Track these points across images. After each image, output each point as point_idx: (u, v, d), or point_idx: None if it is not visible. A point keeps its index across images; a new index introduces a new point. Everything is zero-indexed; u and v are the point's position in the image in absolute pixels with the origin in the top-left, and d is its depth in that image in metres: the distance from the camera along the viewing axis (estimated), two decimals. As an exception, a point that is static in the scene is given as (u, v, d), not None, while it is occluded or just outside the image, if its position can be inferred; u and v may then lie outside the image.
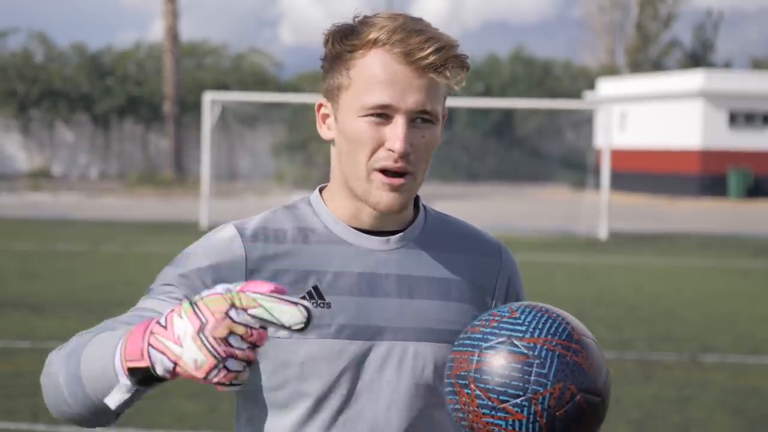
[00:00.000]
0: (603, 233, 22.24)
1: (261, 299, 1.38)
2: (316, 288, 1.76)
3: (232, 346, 1.38)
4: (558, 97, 44.40)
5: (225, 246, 1.76)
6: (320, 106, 1.82)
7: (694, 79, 40.05)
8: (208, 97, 23.63)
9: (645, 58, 54.84)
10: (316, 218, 1.83)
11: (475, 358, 1.66)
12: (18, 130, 45.04)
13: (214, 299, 1.39)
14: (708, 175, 38.98)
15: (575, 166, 43.47)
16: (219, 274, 1.74)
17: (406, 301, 1.79)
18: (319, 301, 1.76)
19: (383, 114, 1.72)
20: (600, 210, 22.91)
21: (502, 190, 41.39)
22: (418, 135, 1.73)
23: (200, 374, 1.40)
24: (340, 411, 1.77)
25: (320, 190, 1.87)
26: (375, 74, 1.71)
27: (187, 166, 40.61)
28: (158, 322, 1.44)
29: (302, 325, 1.39)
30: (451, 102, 33.43)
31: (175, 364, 1.42)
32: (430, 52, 1.69)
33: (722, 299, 13.35)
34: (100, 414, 1.57)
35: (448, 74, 1.72)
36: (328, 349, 1.75)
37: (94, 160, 46.03)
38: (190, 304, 1.41)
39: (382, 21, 1.73)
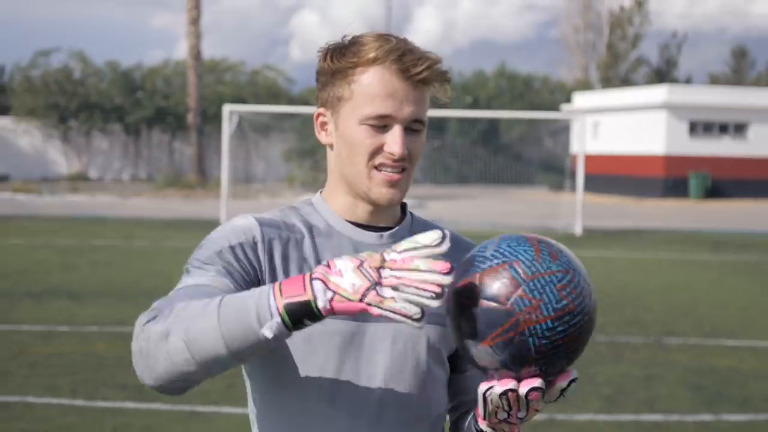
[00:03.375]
0: (578, 229, 22.24)
1: (404, 241, 1.53)
2: None
3: (382, 276, 1.49)
4: (538, 109, 44.38)
5: (246, 230, 1.78)
6: (319, 114, 1.83)
7: (659, 92, 40.03)
8: (227, 109, 23.60)
9: (615, 74, 54.79)
10: (318, 216, 1.85)
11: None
12: (59, 138, 45.00)
13: (370, 253, 1.53)
14: (671, 178, 38.97)
15: (553, 170, 43.42)
16: (241, 251, 1.75)
17: None
18: None
19: (382, 122, 1.74)
20: (575, 209, 22.90)
21: (488, 192, 41.37)
22: (412, 141, 1.77)
23: (357, 296, 1.49)
24: (340, 387, 1.76)
25: (320, 193, 1.89)
26: (376, 88, 1.73)
27: (209, 171, 40.56)
28: (321, 266, 1.54)
29: (440, 240, 1.50)
30: (443, 112, 33.41)
31: (335, 292, 1.50)
32: (423, 69, 1.73)
33: (684, 288, 13.35)
34: (218, 366, 1.56)
35: (436, 86, 1.77)
36: (328, 328, 1.74)
37: (126, 165, 45.99)
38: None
39: (375, 42, 1.74)
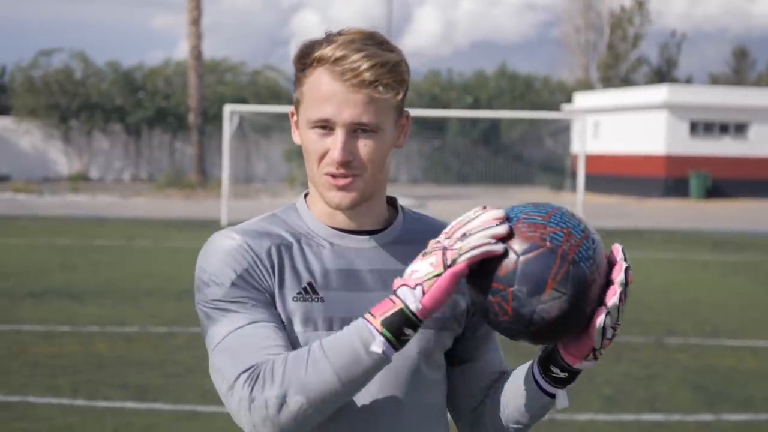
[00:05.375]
0: (578, 229, 22.21)
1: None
2: (310, 284, 1.74)
3: (446, 245, 1.59)
4: (538, 109, 44.37)
5: (241, 250, 1.73)
6: (292, 114, 1.82)
7: (659, 92, 40.03)
8: (228, 109, 23.62)
9: (616, 74, 54.78)
10: (302, 223, 1.81)
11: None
12: (60, 138, 45.01)
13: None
14: (671, 177, 38.97)
15: (554, 170, 43.45)
16: (249, 276, 1.72)
17: (387, 293, 1.74)
18: (313, 296, 1.74)
19: (326, 126, 1.71)
20: (576, 209, 22.90)
21: (489, 192, 41.37)
22: (360, 144, 1.71)
23: (439, 267, 1.57)
24: None
25: (305, 196, 1.86)
26: (318, 91, 1.70)
27: (210, 171, 40.58)
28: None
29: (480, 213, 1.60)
30: (444, 112, 33.38)
31: (421, 284, 1.57)
32: (364, 70, 1.67)
33: (684, 288, 13.35)
34: (338, 403, 1.64)
35: (381, 90, 1.69)
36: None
37: (127, 165, 46.00)
38: None
39: (335, 38, 1.71)
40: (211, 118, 41.82)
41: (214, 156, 40.58)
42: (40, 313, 10.11)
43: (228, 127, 23.23)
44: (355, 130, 1.70)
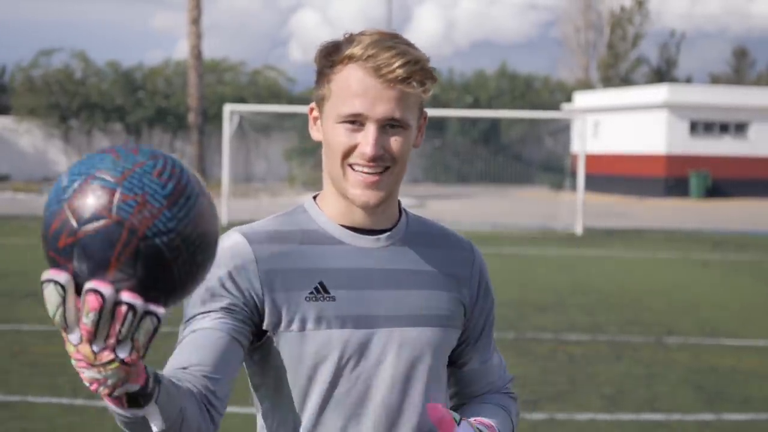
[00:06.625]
0: (579, 229, 22.24)
1: None
2: (321, 284, 1.75)
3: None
4: (538, 109, 44.34)
5: (236, 252, 1.75)
6: (312, 109, 1.83)
7: (659, 92, 40.03)
8: (228, 109, 23.60)
9: (616, 74, 54.77)
10: (313, 222, 1.81)
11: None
12: (59, 138, 45.00)
13: None
14: (672, 177, 38.97)
15: (554, 170, 43.40)
16: (235, 277, 1.73)
17: (398, 292, 1.79)
18: (325, 296, 1.75)
19: (357, 121, 1.72)
20: (576, 208, 22.90)
21: (489, 191, 41.36)
22: (390, 139, 1.73)
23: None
24: (349, 394, 1.76)
25: (314, 198, 1.86)
26: (350, 86, 1.71)
27: (210, 170, 40.57)
28: None
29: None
30: (444, 112, 33.44)
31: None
32: (397, 66, 1.69)
33: (684, 288, 13.35)
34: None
35: (414, 85, 1.71)
36: (337, 338, 1.74)
37: (127, 164, 45.99)
38: None
39: (360, 38, 1.73)
40: (211, 118, 41.81)
41: (214, 155, 40.57)
42: (39, 312, 10.09)
43: (228, 127, 23.21)
44: (385, 126, 1.72)
